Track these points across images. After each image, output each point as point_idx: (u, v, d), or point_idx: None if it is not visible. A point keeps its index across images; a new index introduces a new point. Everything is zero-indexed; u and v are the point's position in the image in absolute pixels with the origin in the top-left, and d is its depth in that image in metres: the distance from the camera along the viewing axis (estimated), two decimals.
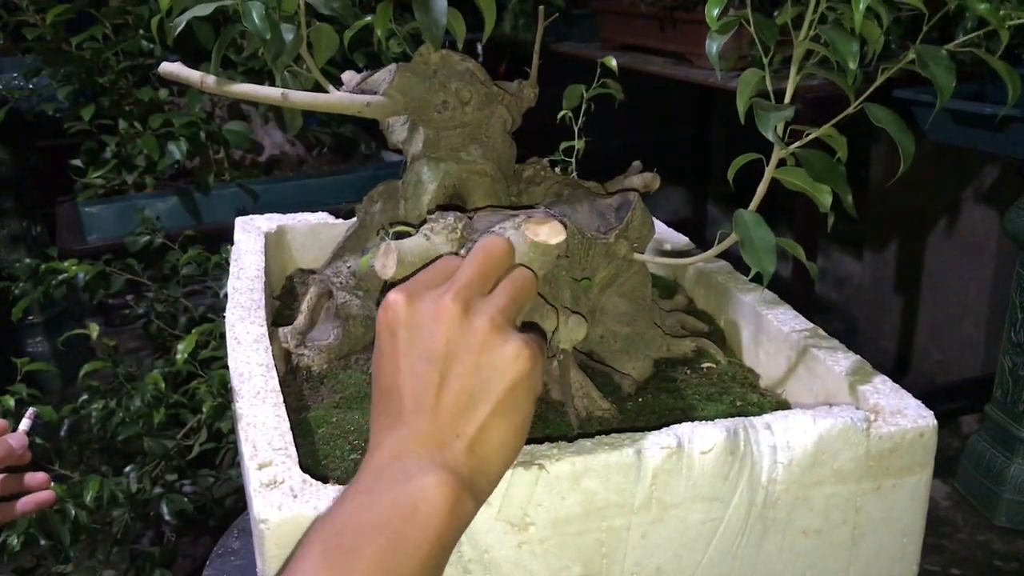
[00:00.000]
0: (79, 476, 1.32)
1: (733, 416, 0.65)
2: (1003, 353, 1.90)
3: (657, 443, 0.59)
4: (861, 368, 0.71)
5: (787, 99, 0.60)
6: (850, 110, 0.61)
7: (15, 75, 2.11)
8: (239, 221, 1.03)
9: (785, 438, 0.61)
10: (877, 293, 2.63)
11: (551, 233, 0.60)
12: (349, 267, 0.84)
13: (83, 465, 1.40)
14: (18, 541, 1.24)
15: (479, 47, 2.54)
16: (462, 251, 0.66)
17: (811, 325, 0.79)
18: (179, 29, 0.66)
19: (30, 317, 2.47)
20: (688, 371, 0.81)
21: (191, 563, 1.64)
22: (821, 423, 0.62)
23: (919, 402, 0.66)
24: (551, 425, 0.71)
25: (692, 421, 0.63)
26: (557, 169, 0.89)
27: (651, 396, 0.77)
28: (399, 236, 0.67)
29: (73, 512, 1.25)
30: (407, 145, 0.84)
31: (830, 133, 0.60)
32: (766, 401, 0.77)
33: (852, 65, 0.56)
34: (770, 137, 0.58)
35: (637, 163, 0.86)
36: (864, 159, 2.55)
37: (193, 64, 0.75)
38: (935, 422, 0.64)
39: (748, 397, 0.77)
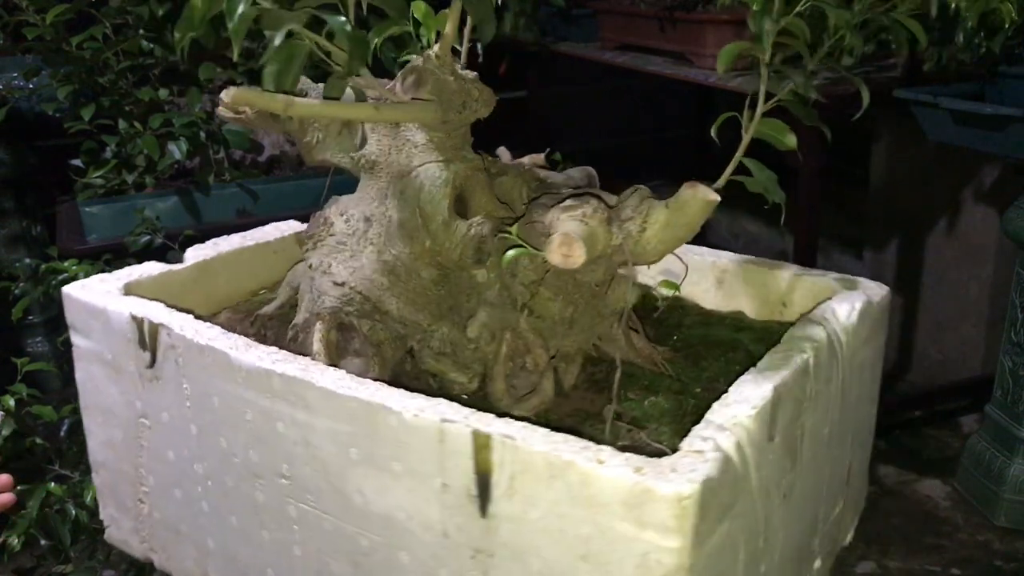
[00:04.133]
0: (79, 476, 1.32)
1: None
2: (1003, 353, 1.90)
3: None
4: (807, 273, 0.88)
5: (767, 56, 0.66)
6: (863, 105, 0.62)
7: (15, 75, 2.11)
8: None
9: (848, 321, 0.78)
10: None
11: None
12: (360, 292, 0.79)
13: (83, 465, 1.40)
14: (18, 541, 1.24)
15: (479, 47, 2.54)
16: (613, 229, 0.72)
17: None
18: (274, 48, 0.60)
19: (30, 317, 2.47)
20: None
21: None
22: (857, 306, 0.78)
23: (875, 282, 0.84)
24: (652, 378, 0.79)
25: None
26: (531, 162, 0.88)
27: (700, 331, 0.88)
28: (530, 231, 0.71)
29: (73, 512, 1.25)
30: (392, 154, 0.80)
31: (789, 98, 0.69)
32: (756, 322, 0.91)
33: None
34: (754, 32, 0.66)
35: (502, 148, 0.88)
36: (864, 159, 2.55)
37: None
38: (887, 289, 0.84)
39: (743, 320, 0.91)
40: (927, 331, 2.51)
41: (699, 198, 0.69)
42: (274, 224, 1.03)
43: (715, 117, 0.69)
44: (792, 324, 0.81)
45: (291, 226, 1.03)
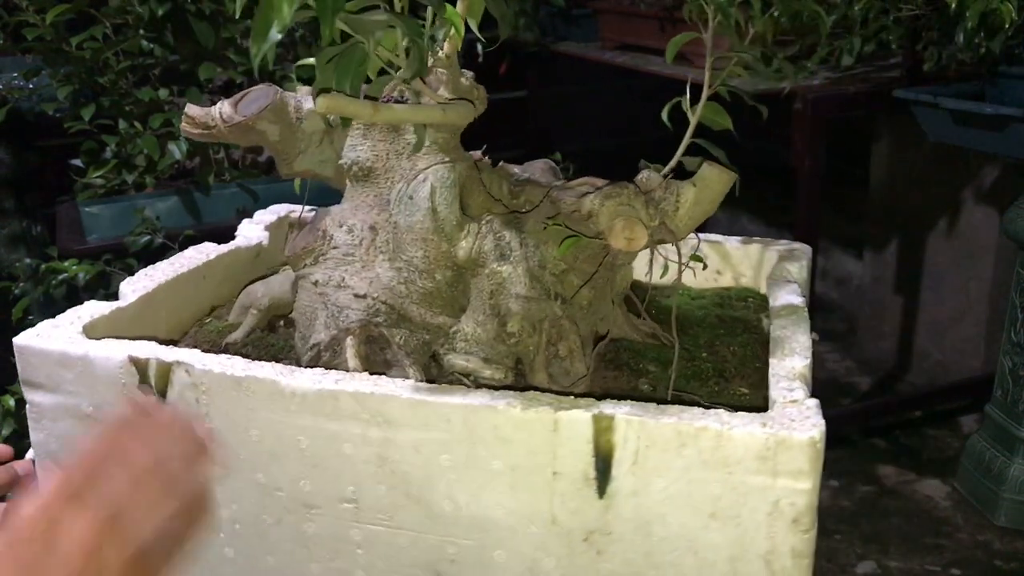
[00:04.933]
0: None
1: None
2: (1003, 353, 1.90)
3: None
4: (728, 242, 0.99)
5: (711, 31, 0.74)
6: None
7: (15, 75, 2.11)
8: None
9: (800, 277, 0.89)
10: (877, 293, 2.63)
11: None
12: (384, 302, 0.78)
13: None
14: None
15: (479, 47, 2.54)
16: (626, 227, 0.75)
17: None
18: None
19: (30, 317, 2.47)
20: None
21: None
22: (804, 263, 0.90)
23: (798, 243, 0.96)
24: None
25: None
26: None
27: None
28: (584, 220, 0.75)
29: None
30: (391, 159, 0.80)
31: (724, 86, 0.80)
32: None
33: None
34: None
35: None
36: (864, 159, 2.55)
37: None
38: (810, 247, 0.95)
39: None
40: (927, 331, 2.51)
41: (722, 175, 0.75)
42: (195, 248, 0.99)
43: None
44: (730, 289, 0.95)
45: (213, 249, 0.99)
